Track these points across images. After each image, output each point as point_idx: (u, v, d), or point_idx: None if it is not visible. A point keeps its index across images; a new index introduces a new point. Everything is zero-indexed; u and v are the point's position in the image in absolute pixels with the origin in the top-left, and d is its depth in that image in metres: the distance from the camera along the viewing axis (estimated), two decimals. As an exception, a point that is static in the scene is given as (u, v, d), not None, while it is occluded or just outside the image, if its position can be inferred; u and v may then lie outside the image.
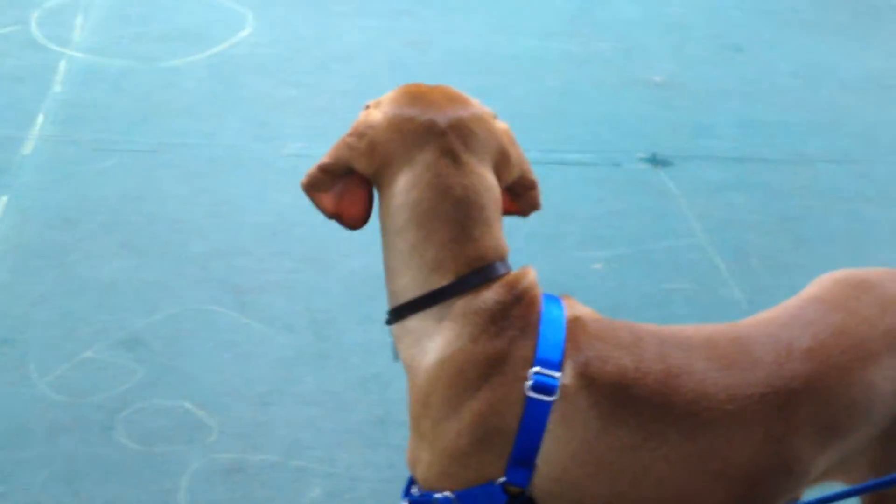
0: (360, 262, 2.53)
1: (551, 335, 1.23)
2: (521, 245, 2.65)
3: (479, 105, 1.33)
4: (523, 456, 1.22)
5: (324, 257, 2.59)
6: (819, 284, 1.39)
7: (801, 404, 1.24)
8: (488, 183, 1.27)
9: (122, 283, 2.46)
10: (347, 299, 2.45)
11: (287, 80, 3.52)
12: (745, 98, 3.67)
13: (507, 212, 1.35)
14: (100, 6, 3.94)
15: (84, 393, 2.12)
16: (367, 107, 1.32)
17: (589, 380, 1.22)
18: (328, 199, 1.31)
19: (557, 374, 1.21)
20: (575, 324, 1.26)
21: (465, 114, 1.29)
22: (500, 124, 1.33)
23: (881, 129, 3.53)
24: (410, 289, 1.27)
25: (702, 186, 3.08)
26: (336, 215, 1.32)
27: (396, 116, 1.27)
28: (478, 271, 1.25)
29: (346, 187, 1.30)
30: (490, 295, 1.24)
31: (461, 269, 1.25)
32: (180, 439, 2.03)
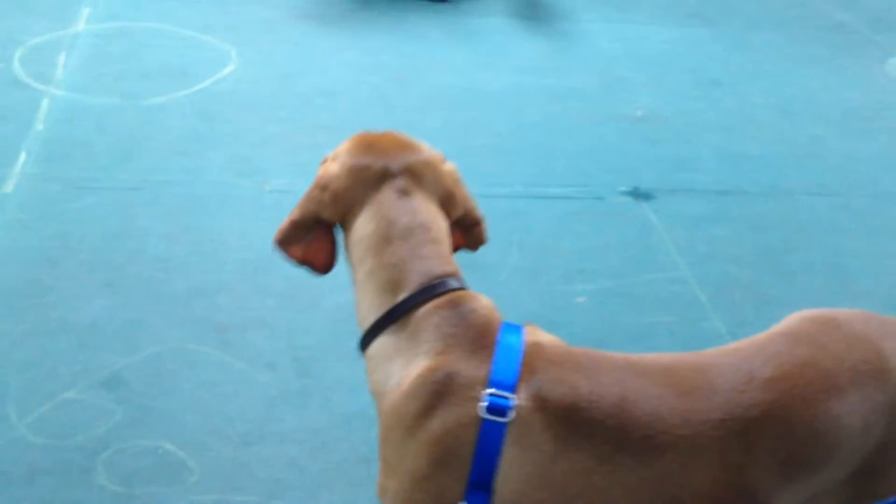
0: (343, 299, 2.52)
1: (506, 357, 1.25)
2: (505, 278, 2.66)
3: (427, 149, 1.44)
4: (481, 479, 1.23)
5: (306, 294, 2.59)
6: (788, 321, 1.40)
7: (760, 433, 1.23)
8: (436, 213, 1.39)
9: (103, 322, 2.44)
10: (330, 336, 2.45)
11: (270, 116, 3.53)
12: (725, 131, 3.71)
13: (458, 246, 1.47)
14: (82, 44, 3.95)
15: (64, 434, 2.10)
16: (325, 160, 1.44)
17: (543, 402, 1.23)
18: (297, 250, 1.42)
19: (511, 396, 1.22)
20: (533, 348, 1.28)
21: (414, 159, 1.40)
22: (448, 167, 1.44)
23: (859, 161, 3.57)
24: (371, 313, 1.33)
25: (684, 220, 3.10)
26: (305, 262, 1.43)
27: (354, 166, 1.38)
28: (428, 287, 1.30)
29: (313, 236, 1.41)
30: (436, 309, 1.29)
31: (412, 286, 1.30)
32: (161, 481, 2.01)
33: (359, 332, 1.37)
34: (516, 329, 1.31)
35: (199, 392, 2.25)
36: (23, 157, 3.13)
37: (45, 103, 3.47)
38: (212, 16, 4.33)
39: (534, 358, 1.26)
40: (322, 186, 1.39)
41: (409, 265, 1.32)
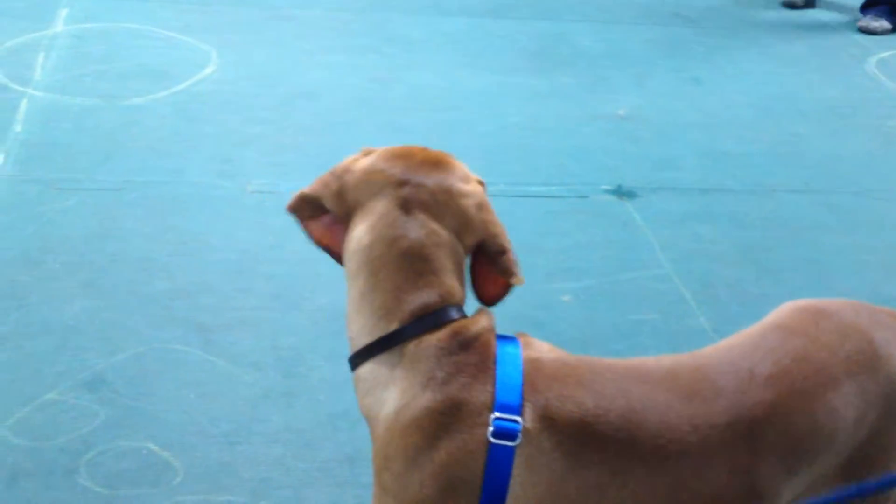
0: (327, 299, 2.51)
1: (508, 379, 1.22)
2: (488, 278, 2.65)
3: (458, 172, 1.34)
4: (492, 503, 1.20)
5: (290, 294, 2.57)
6: (779, 313, 1.40)
7: (764, 432, 1.24)
8: (440, 238, 1.28)
9: (85, 323, 2.42)
10: (314, 336, 2.43)
11: (251, 116, 3.51)
12: (707, 130, 3.72)
13: (489, 290, 1.34)
14: (61, 45, 3.92)
15: (46, 436, 2.08)
16: (362, 152, 1.36)
17: (550, 421, 1.21)
18: (316, 228, 1.37)
19: (518, 419, 1.20)
20: (532, 365, 1.25)
21: (435, 178, 1.31)
22: (470, 189, 1.33)
23: (840, 158, 3.59)
24: (362, 335, 1.28)
25: (667, 218, 3.10)
26: (323, 246, 1.37)
27: (371, 167, 1.32)
28: (423, 318, 1.25)
29: (333, 221, 1.35)
30: (436, 341, 1.24)
31: (405, 317, 1.25)
32: (145, 482, 1.99)
33: (349, 343, 1.32)
34: (513, 345, 1.28)
35: (182, 392, 2.23)
36: (1, 158, 3.10)
37: (23, 104, 3.44)
38: (191, 16, 4.30)
39: (535, 376, 1.24)
40: (336, 175, 1.32)
41: (406, 295, 1.25)
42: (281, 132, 3.43)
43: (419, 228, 1.27)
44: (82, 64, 3.77)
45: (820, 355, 1.29)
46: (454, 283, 1.29)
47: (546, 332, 2.47)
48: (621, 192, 3.22)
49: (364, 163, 1.33)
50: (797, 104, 3.99)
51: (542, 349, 1.30)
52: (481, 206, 1.32)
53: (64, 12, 4.20)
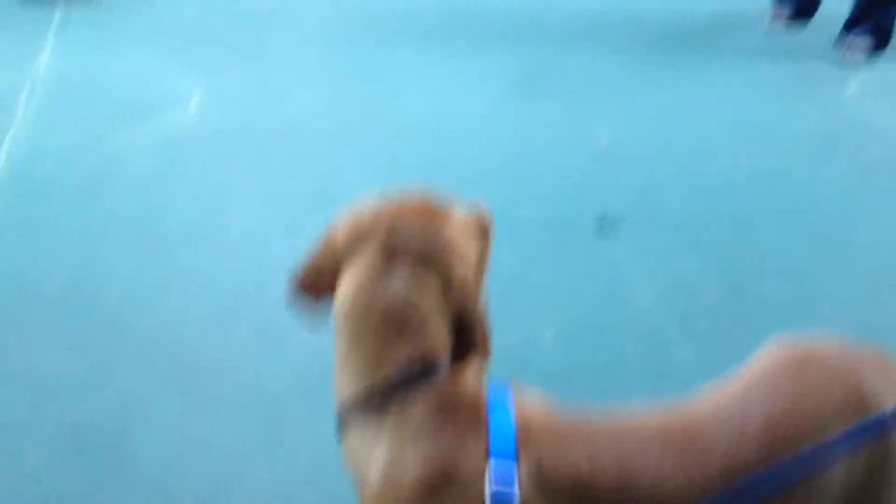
0: (312, 345, 2.49)
1: (501, 443, 1.20)
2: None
3: (458, 221, 1.31)
4: None
5: (273, 337, 2.56)
6: (766, 359, 1.40)
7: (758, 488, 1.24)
8: (426, 287, 1.25)
9: (64, 370, 2.39)
10: (298, 380, 2.41)
11: (235, 154, 3.51)
12: (690, 158, 3.73)
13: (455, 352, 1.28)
14: (44, 83, 3.91)
15: (22, 499, 2.04)
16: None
17: (545, 486, 1.20)
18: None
19: (514, 488, 1.18)
20: (523, 423, 1.24)
21: (428, 226, 1.27)
22: (458, 247, 1.28)
23: (822, 184, 3.61)
24: (347, 390, 1.26)
25: (650, 250, 3.11)
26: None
27: (358, 214, 1.30)
28: (411, 374, 1.23)
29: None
30: (423, 400, 1.22)
31: (393, 376, 1.23)
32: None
33: (334, 398, 1.30)
34: (503, 399, 1.26)
35: (163, 446, 2.20)
36: (-17, 199, 3.09)
37: (5, 144, 3.43)
38: (175, 54, 4.31)
39: (527, 437, 1.22)
40: (324, 237, 1.31)
41: (389, 353, 1.23)
42: (264, 169, 3.43)
43: (403, 280, 1.23)
44: (65, 102, 3.77)
45: (810, 404, 1.30)
46: (440, 334, 1.26)
47: (531, 370, 2.47)
48: (604, 225, 3.22)
49: (353, 212, 1.31)
50: (778, 131, 4.01)
51: (534, 403, 1.29)
52: (466, 265, 1.28)
53: (47, 50, 4.20)
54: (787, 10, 5.19)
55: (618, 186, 3.49)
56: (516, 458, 1.20)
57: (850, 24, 4.95)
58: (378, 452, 1.23)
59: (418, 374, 1.23)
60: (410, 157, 3.54)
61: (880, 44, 4.87)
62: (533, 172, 3.54)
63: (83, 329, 2.55)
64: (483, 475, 1.19)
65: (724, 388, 1.37)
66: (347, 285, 1.26)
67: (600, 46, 4.78)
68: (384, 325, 1.24)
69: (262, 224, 2.98)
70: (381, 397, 1.23)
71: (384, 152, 3.57)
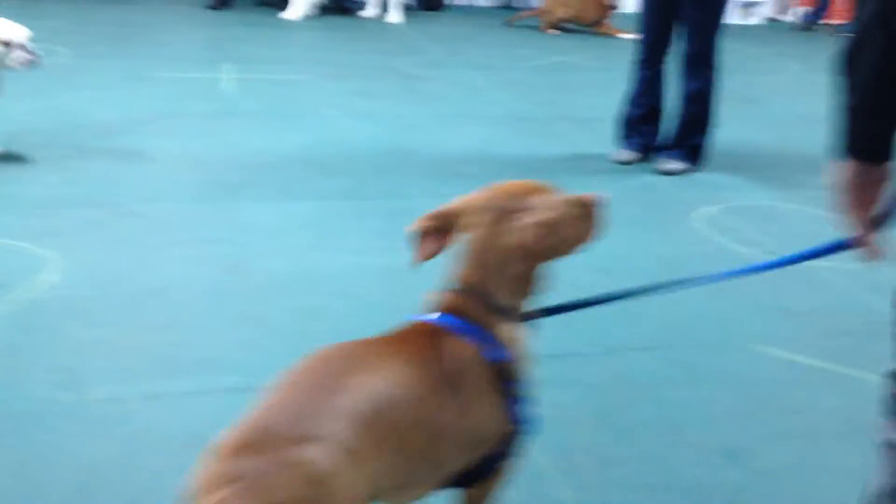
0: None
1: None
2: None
3: (538, 199, 2.02)
4: None
5: (137, 511, 2.43)
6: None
7: None
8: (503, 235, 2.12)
9: None
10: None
11: (94, 320, 3.41)
12: (557, 294, 3.83)
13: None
14: None
15: None
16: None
17: None
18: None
19: None
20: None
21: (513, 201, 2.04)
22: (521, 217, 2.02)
23: (681, 314, 3.76)
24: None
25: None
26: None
27: (477, 196, 2.24)
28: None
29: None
30: None
31: None
32: None
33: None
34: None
35: None
36: None
37: None
38: (32, 220, 4.22)
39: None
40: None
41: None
42: (126, 334, 3.33)
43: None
44: (-89, 280, 3.61)
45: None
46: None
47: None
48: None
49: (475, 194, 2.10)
50: (634, 263, 4.19)
51: None
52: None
53: None
54: (632, 152, 5.65)
55: (486, 327, 3.54)
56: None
57: (666, 147, 5.52)
58: None
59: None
60: (281, 311, 3.52)
61: (692, 163, 5.47)
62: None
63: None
64: None
65: None
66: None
67: (453, 190, 4.92)
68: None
69: (122, 390, 2.87)
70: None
71: (251, 309, 3.54)
